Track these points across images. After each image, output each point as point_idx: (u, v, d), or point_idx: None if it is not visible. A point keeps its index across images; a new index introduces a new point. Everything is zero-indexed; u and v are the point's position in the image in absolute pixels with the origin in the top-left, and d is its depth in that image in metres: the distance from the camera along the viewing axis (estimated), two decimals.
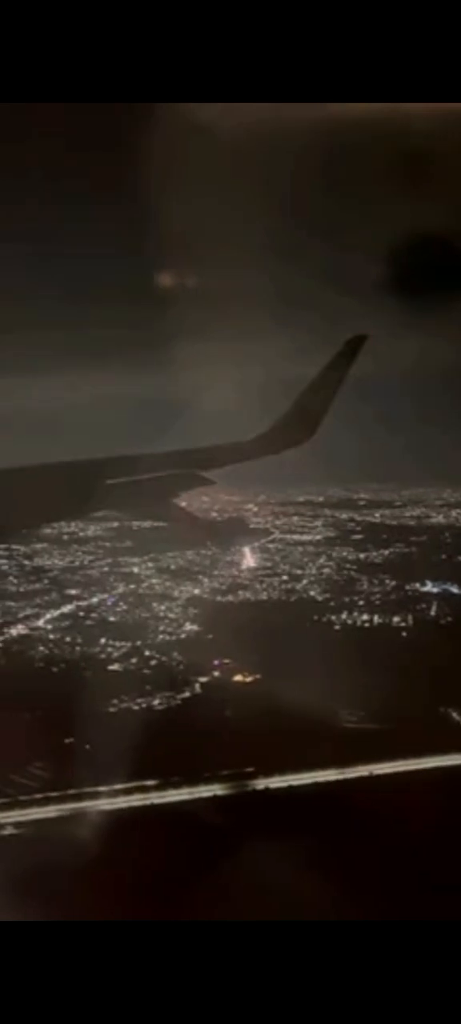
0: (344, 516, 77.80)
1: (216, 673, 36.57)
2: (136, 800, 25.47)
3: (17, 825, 24.11)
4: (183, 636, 42.85)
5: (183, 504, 13.28)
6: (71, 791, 25.69)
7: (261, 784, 26.20)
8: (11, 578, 54.85)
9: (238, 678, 35.89)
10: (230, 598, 50.64)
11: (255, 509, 79.57)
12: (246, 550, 63.38)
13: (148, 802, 25.49)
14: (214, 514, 75.81)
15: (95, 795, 25.61)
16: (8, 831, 23.99)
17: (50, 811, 24.92)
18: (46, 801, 25.22)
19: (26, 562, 59.03)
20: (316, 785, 26.30)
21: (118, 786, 25.96)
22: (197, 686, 35.25)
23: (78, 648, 40.82)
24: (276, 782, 26.18)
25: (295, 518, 76.73)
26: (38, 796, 25.51)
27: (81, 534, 65.30)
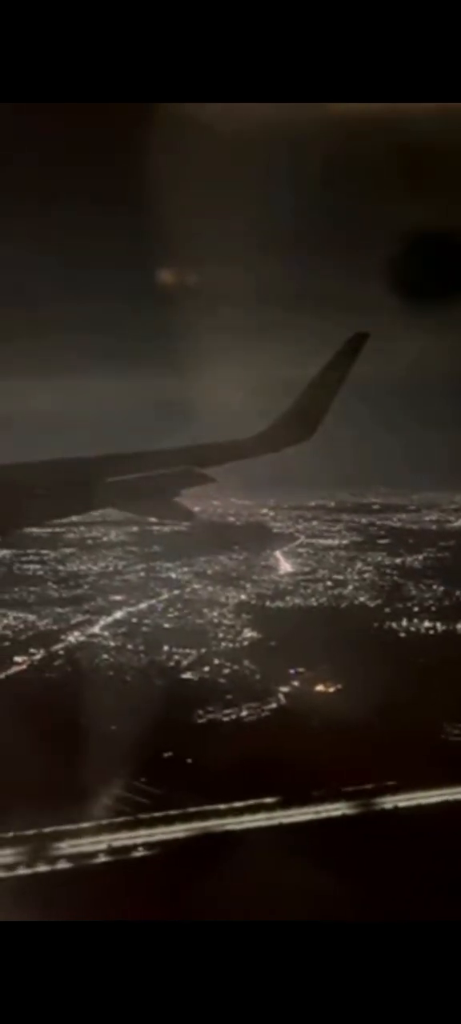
0: (364, 520, 77.65)
1: (295, 683, 35.71)
2: (262, 820, 24.36)
3: (148, 846, 22.94)
4: (246, 643, 41.98)
5: (184, 502, 13.12)
6: (192, 809, 24.56)
7: (389, 803, 25.23)
8: (50, 583, 53.78)
9: (320, 688, 34.97)
10: (279, 603, 49.84)
11: (271, 514, 79.32)
12: (278, 555, 62.83)
13: (275, 821, 24.38)
14: (231, 518, 75.83)
15: (219, 814, 24.50)
16: (140, 852, 22.82)
17: (177, 830, 23.75)
18: (168, 820, 24.06)
19: (60, 567, 58.03)
20: (446, 804, 25.34)
21: (239, 804, 24.87)
22: (280, 696, 34.29)
23: (143, 656, 39.71)
24: (403, 800, 25.20)
25: (314, 523, 76.39)
26: (158, 815, 24.36)
27: (105, 539, 64.36)
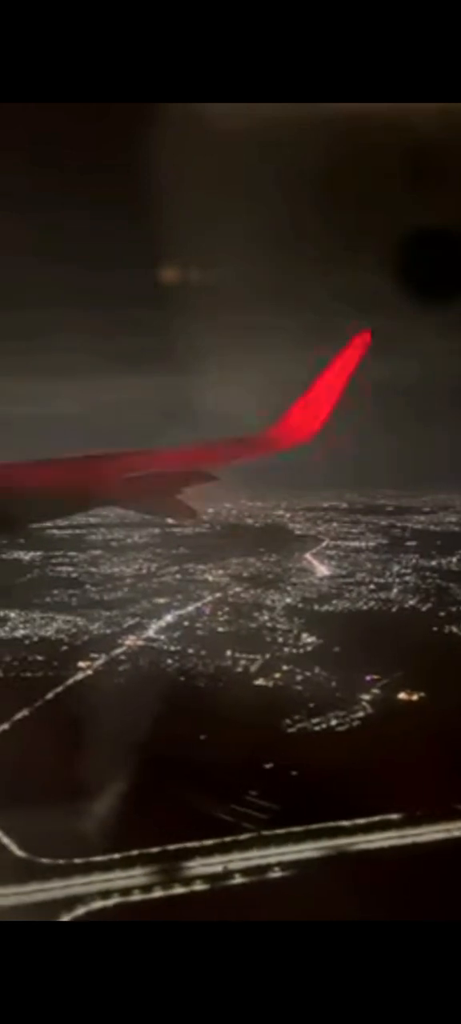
0: (383, 522, 76.71)
1: (375, 691, 34.59)
2: (394, 838, 23.16)
3: (283, 866, 21.63)
4: (309, 648, 40.86)
5: (189, 502, 12.46)
6: (315, 826, 23.31)
7: None
8: (88, 587, 52.36)
9: (403, 696, 33.88)
10: (327, 607, 48.74)
11: (287, 515, 78.35)
12: (309, 557, 61.90)
13: (409, 840, 23.17)
14: (249, 520, 74.81)
15: (345, 831, 23.28)
16: (275, 873, 21.51)
17: (306, 848, 22.49)
18: (296, 837, 22.79)
19: (92, 569, 56.57)
20: None
21: (362, 820, 23.68)
22: (365, 704, 33.20)
23: (208, 660, 38.46)
24: None
25: (334, 524, 75.36)
26: (281, 831, 23.10)
27: (128, 540, 62.90)
